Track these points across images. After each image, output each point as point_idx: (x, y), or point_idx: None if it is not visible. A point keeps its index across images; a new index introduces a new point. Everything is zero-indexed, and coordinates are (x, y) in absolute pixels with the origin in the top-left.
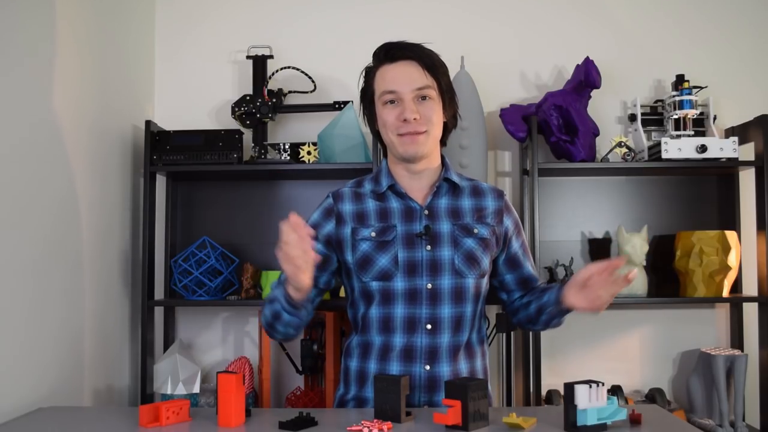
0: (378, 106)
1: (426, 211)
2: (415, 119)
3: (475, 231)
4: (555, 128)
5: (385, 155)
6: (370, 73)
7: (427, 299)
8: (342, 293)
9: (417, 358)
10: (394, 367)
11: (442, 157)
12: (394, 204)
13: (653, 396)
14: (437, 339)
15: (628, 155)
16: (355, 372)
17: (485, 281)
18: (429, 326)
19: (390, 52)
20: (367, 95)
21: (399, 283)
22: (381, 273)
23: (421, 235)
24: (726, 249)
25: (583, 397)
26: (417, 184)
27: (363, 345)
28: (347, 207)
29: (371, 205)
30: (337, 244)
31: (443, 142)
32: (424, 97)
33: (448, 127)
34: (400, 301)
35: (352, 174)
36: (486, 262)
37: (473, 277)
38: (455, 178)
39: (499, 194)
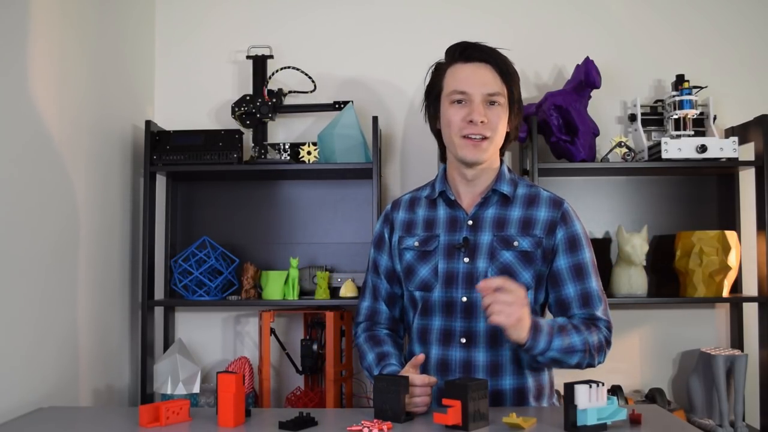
0: (444, 104)
1: (470, 221)
2: (482, 122)
3: (515, 243)
4: (555, 128)
5: (442, 159)
6: (439, 70)
7: (462, 312)
8: (342, 293)
9: (452, 372)
10: None
11: (501, 166)
12: (442, 212)
13: (653, 396)
14: (473, 353)
15: (628, 155)
16: None
17: (529, 296)
18: (464, 340)
19: (466, 52)
20: (434, 92)
21: (437, 294)
22: (422, 283)
23: (460, 247)
24: (726, 249)
25: (583, 397)
26: (470, 190)
27: (409, 354)
28: (400, 215)
29: (421, 213)
30: (390, 252)
31: (502, 152)
32: (493, 102)
33: (510, 138)
34: (437, 313)
35: (352, 174)
36: (526, 277)
37: None
38: (505, 189)
39: (557, 205)
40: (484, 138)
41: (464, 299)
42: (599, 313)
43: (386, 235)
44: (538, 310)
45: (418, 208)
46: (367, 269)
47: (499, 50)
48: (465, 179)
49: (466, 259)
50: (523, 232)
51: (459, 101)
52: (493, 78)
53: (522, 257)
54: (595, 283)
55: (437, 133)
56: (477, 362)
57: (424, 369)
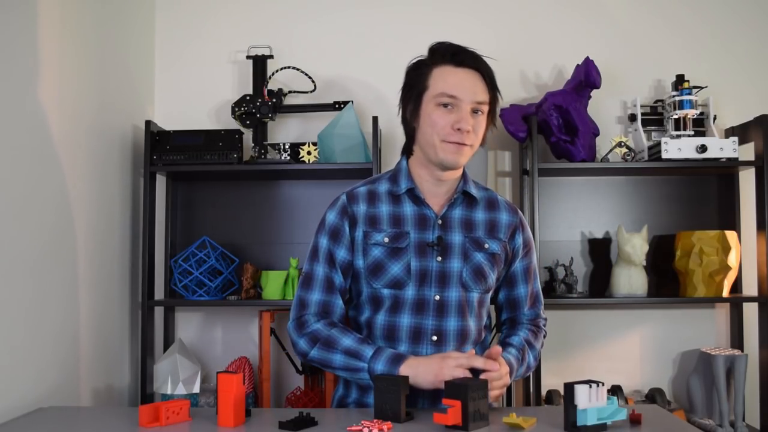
0: (428, 105)
1: (440, 221)
2: (468, 131)
3: (486, 246)
4: (555, 128)
5: (404, 153)
6: (423, 68)
7: (434, 311)
8: None
9: None
10: None
11: (464, 168)
12: (408, 209)
13: (653, 396)
14: (442, 350)
15: (628, 155)
16: None
17: (488, 297)
18: (434, 338)
19: (457, 56)
20: (415, 89)
21: (409, 292)
22: (393, 281)
23: (434, 246)
24: (726, 249)
25: (583, 397)
26: (437, 191)
27: None
28: (361, 208)
29: (384, 208)
30: (351, 246)
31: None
32: (476, 111)
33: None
34: (407, 311)
35: (352, 174)
36: (492, 278)
37: (478, 291)
38: (473, 191)
39: (514, 210)
40: (467, 145)
41: (437, 297)
42: (542, 311)
43: (346, 229)
44: (487, 310)
45: (380, 202)
46: (314, 259)
47: (485, 58)
48: (435, 179)
49: (439, 258)
50: (489, 234)
51: (446, 105)
52: (482, 87)
53: (491, 259)
54: (538, 283)
55: (411, 130)
56: None
57: None
